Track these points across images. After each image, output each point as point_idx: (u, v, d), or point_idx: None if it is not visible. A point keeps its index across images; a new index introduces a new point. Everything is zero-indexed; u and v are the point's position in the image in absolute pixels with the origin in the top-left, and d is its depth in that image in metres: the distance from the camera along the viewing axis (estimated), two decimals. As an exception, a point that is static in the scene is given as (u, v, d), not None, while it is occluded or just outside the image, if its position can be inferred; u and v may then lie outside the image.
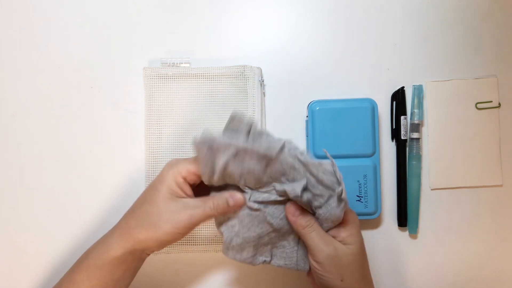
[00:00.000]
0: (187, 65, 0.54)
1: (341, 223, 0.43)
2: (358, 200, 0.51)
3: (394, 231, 0.54)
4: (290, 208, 0.43)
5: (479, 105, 0.54)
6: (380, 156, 0.52)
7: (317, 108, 0.51)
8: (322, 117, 0.51)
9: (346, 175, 0.49)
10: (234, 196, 0.42)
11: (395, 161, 0.54)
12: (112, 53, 0.55)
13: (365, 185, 0.51)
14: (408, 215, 0.53)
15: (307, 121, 0.52)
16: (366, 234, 0.54)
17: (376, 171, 0.51)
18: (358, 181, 0.51)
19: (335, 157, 0.50)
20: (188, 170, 0.42)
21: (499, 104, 0.54)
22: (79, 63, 0.55)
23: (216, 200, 0.42)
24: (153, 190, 0.42)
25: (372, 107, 0.51)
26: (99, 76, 0.55)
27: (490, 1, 0.54)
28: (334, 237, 0.43)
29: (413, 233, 0.53)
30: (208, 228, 0.52)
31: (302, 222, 0.42)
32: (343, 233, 0.43)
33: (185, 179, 0.42)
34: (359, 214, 0.50)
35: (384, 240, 0.54)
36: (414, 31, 0.54)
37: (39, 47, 0.55)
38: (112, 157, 0.54)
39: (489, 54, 0.54)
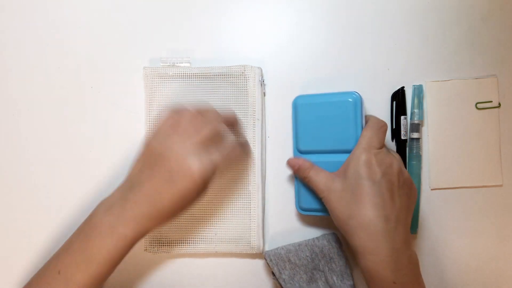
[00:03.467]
0: (187, 64, 0.53)
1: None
2: None
3: (394, 231, 0.54)
4: (290, 162, 0.49)
5: (479, 105, 0.54)
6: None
7: (300, 102, 0.50)
8: (305, 111, 0.50)
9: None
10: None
11: (395, 161, 0.54)
12: (112, 53, 0.55)
13: None
14: (408, 215, 0.53)
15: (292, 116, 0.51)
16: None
17: None
18: None
19: (317, 152, 0.49)
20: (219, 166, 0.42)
21: (499, 104, 0.54)
22: (79, 63, 0.55)
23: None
24: (177, 192, 0.41)
25: (354, 101, 0.48)
26: (99, 76, 0.55)
27: (490, 1, 0.54)
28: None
29: (413, 233, 0.53)
30: (206, 229, 0.53)
31: (300, 173, 0.48)
32: (344, 164, 0.46)
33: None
34: None
35: (384, 240, 0.54)
36: (414, 31, 0.54)
37: (39, 47, 0.55)
38: (112, 157, 0.54)
39: (489, 54, 0.54)
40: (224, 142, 0.44)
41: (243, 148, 0.47)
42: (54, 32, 0.55)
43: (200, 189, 0.41)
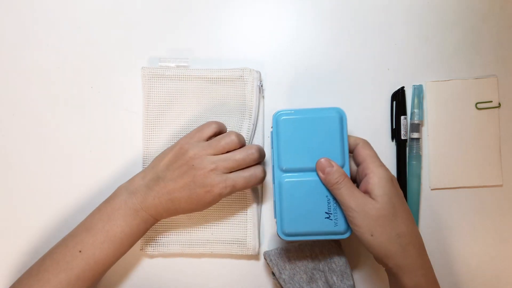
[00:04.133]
0: (186, 65, 0.53)
1: (366, 174, 0.43)
2: (327, 218, 0.45)
3: (394, 231, 0.54)
4: (320, 164, 0.44)
5: (479, 105, 0.54)
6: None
7: (282, 118, 0.46)
8: (287, 127, 0.46)
9: (314, 190, 0.46)
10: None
11: (395, 161, 0.54)
12: (112, 53, 0.55)
13: (335, 201, 0.45)
14: (408, 215, 0.53)
15: (271, 133, 0.47)
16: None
17: None
18: (327, 196, 0.45)
19: (302, 170, 0.46)
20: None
21: (499, 104, 0.54)
22: (79, 63, 0.55)
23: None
24: (201, 203, 0.46)
25: (340, 116, 0.46)
26: (99, 76, 0.55)
27: (490, 1, 0.55)
28: (366, 191, 0.43)
29: (413, 233, 0.53)
30: (203, 229, 0.53)
31: (332, 179, 0.44)
32: (369, 186, 0.43)
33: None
34: (327, 233, 0.46)
35: (384, 240, 0.54)
36: (414, 31, 0.54)
37: (39, 47, 0.55)
38: (111, 157, 0.54)
39: (489, 54, 0.54)
40: (250, 170, 0.47)
41: (263, 176, 0.48)
42: (54, 32, 0.55)
43: (215, 201, 0.46)
